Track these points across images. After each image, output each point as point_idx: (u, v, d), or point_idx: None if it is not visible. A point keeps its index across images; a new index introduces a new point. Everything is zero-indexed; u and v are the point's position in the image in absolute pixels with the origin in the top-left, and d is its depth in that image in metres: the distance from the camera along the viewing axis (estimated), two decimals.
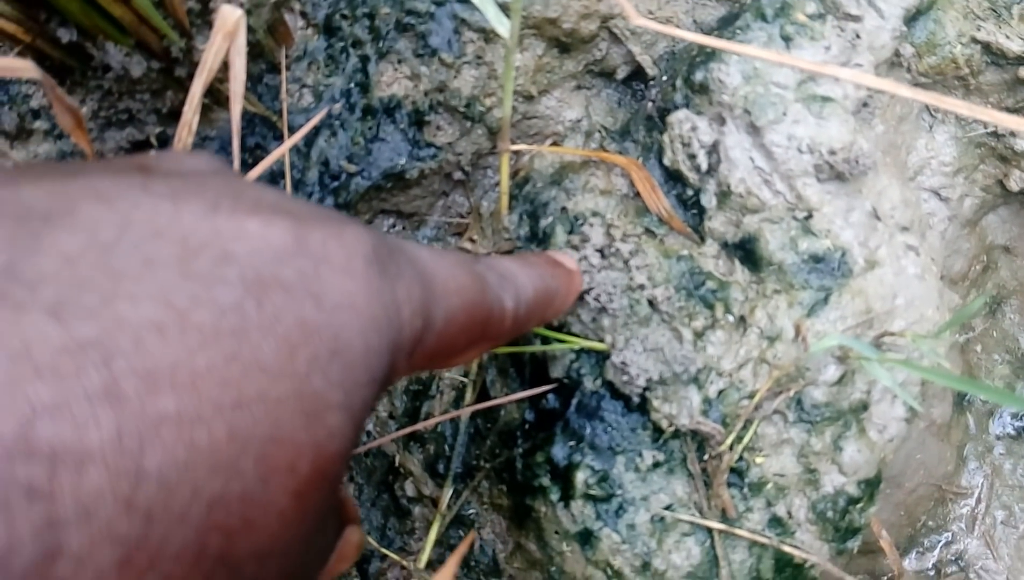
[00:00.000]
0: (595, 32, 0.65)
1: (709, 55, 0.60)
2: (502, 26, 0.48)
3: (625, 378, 0.51)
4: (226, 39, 0.50)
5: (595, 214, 0.58)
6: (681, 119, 0.60)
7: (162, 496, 0.18)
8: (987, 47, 0.62)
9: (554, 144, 0.68)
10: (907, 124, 0.65)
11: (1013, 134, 0.63)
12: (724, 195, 0.58)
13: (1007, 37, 0.61)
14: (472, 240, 0.65)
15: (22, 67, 0.38)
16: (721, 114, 0.59)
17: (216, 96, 0.60)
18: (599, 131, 0.67)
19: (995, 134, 0.65)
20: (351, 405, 0.24)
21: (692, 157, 0.59)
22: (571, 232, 0.58)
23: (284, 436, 0.21)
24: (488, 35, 0.64)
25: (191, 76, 0.57)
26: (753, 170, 0.57)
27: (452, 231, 0.69)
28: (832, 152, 0.55)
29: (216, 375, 0.20)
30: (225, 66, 0.51)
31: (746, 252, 0.57)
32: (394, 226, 0.69)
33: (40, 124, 0.58)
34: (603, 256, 0.54)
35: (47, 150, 0.61)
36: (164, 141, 0.61)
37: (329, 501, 0.24)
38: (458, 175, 0.67)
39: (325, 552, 0.28)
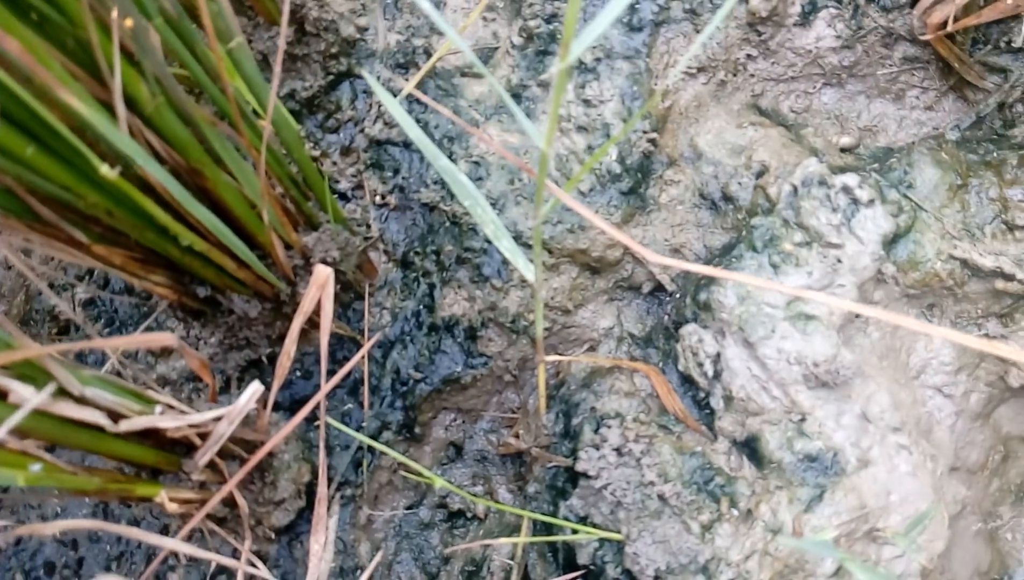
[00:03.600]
0: (620, 257, 0.78)
1: (711, 279, 0.71)
2: (529, 273, 0.61)
3: (637, 567, 0.59)
4: (319, 290, 0.65)
5: (616, 415, 0.68)
6: (690, 332, 0.70)
7: None
8: (964, 262, 0.70)
9: (590, 349, 0.80)
10: (904, 329, 0.72)
11: (1005, 337, 0.70)
12: (729, 399, 0.67)
13: (980, 254, 0.69)
14: (517, 435, 0.76)
15: (164, 339, 0.53)
16: (722, 329, 0.69)
17: (314, 323, 0.76)
18: (628, 337, 0.79)
19: (987, 336, 0.71)
20: None
21: (700, 365, 0.69)
22: (596, 431, 0.68)
23: None
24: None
25: (295, 311, 0.73)
26: (751, 378, 0.66)
27: (505, 424, 0.81)
28: (816, 364, 0.63)
29: None
30: (318, 307, 0.66)
31: (751, 450, 0.65)
32: (455, 420, 0.81)
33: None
34: (619, 454, 0.64)
35: (182, 366, 0.78)
36: (273, 358, 0.76)
37: None
38: (508, 377, 0.79)
39: None
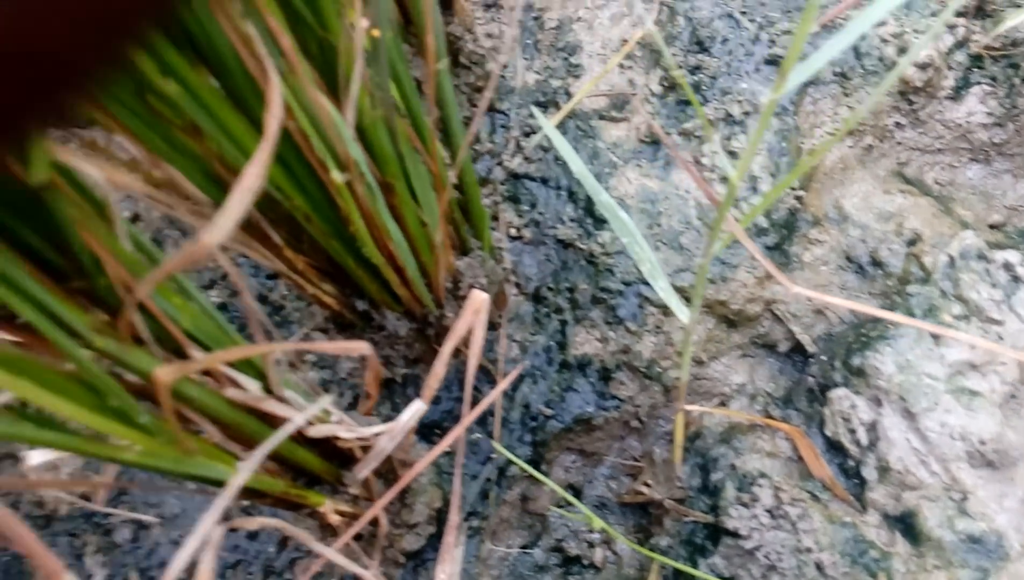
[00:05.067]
0: (759, 313, 0.77)
1: (865, 343, 0.70)
2: (683, 314, 0.60)
3: None
4: (473, 315, 0.65)
5: (763, 475, 0.67)
6: (841, 397, 0.69)
7: None
8: None
9: (721, 403, 0.78)
10: None
11: None
12: (884, 470, 0.65)
13: None
14: (647, 484, 0.74)
15: (360, 347, 0.53)
16: (878, 397, 0.67)
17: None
18: (763, 395, 0.77)
19: None
20: None
21: (852, 432, 0.67)
22: (740, 489, 0.66)
23: None
24: (666, 310, 0.77)
25: (437, 335, 0.72)
26: (910, 451, 0.64)
27: (625, 471, 0.79)
28: (982, 442, 0.61)
29: None
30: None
31: (906, 525, 0.63)
32: (575, 462, 0.80)
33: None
34: (772, 516, 0.62)
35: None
36: (405, 378, 0.75)
37: None
38: (635, 423, 0.77)
39: None
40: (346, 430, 0.52)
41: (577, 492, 0.79)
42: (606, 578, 0.75)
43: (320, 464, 0.54)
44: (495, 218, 0.85)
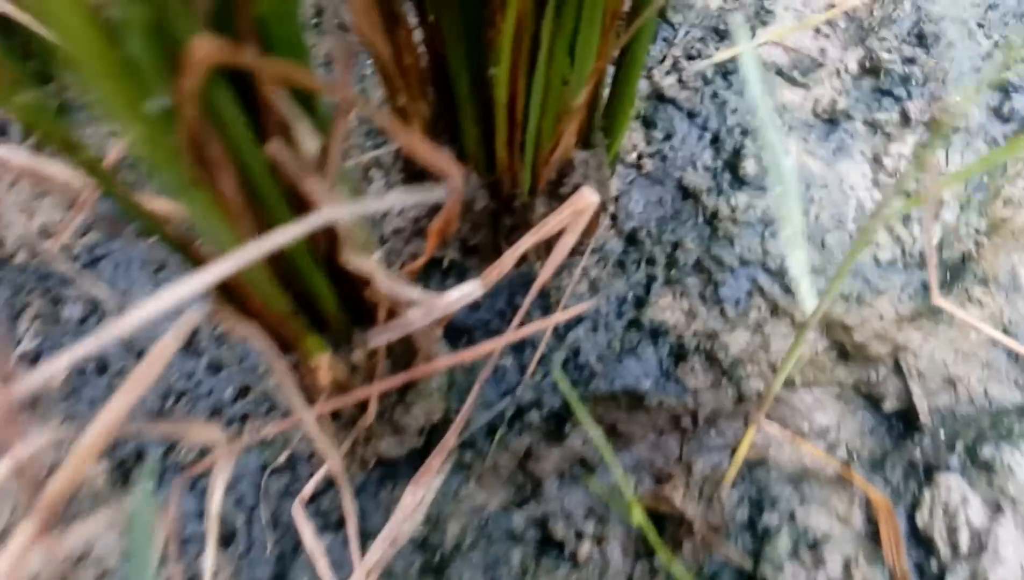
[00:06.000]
0: (881, 356, 0.63)
1: (1004, 435, 0.56)
2: (808, 300, 0.46)
3: None
4: (573, 216, 0.51)
5: (827, 539, 0.53)
6: (952, 486, 0.55)
7: None
8: None
9: (797, 438, 0.64)
10: None
11: None
12: None
13: None
14: (676, 488, 0.60)
15: (450, 167, 0.40)
16: (999, 502, 0.53)
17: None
18: (844, 449, 0.63)
19: None
20: None
21: (953, 531, 0.53)
22: (798, 544, 0.52)
23: None
24: (776, 309, 0.63)
25: (510, 230, 0.59)
26: (1022, 577, 0.50)
27: (653, 471, 0.65)
28: None
29: None
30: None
31: None
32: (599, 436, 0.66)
33: None
34: None
35: None
36: (452, 266, 0.62)
37: None
38: (686, 422, 0.64)
39: None
40: (385, 276, 0.39)
41: (590, 470, 0.66)
42: (583, 577, 0.62)
43: (335, 307, 0.41)
44: None
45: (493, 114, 0.48)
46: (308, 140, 0.31)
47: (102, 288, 0.62)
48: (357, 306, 0.44)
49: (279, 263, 0.37)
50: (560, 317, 0.58)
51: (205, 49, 0.23)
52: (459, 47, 0.44)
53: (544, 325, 0.56)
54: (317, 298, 0.40)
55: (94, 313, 0.64)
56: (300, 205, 0.33)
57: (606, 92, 0.56)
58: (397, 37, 0.43)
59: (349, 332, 0.43)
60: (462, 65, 0.45)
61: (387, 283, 0.39)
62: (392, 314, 0.43)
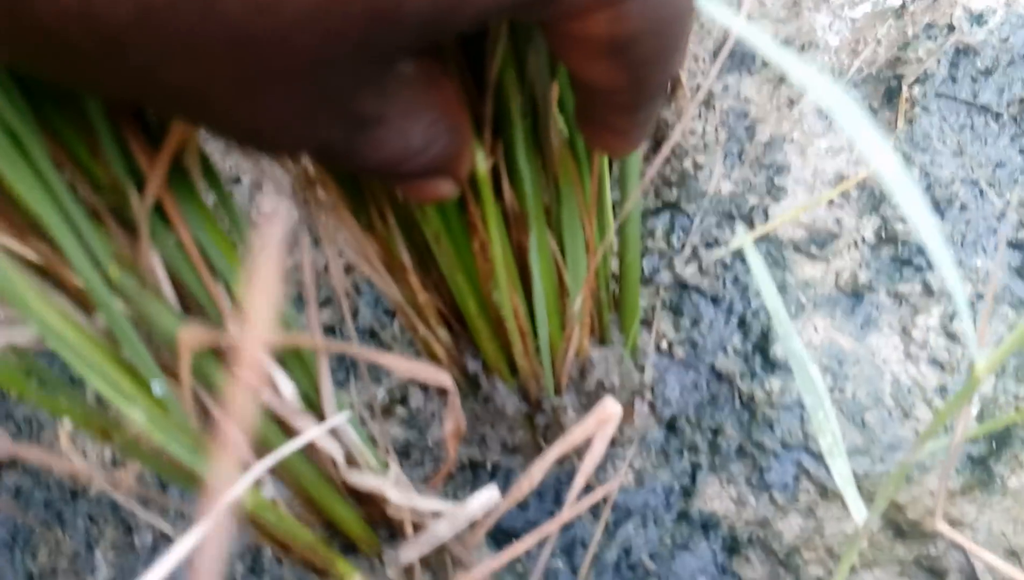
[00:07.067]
0: (937, 530, 0.61)
1: None
2: (859, 514, 0.46)
3: None
4: (598, 425, 0.53)
5: None
6: None
7: None
8: None
9: None
10: None
11: None
12: None
13: None
14: None
15: (442, 379, 0.42)
16: None
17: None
18: None
19: None
20: None
21: None
22: None
23: None
24: (826, 492, 0.63)
25: (546, 428, 0.61)
26: None
27: None
28: None
29: None
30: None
31: None
32: None
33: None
34: None
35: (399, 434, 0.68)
36: (497, 467, 0.65)
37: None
38: None
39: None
40: (396, 491, 0.41)
41: None
42: None
43: (360, 528, 0.44)
44: (646, 323, 0.75)
45: (506, 329, 0.51)
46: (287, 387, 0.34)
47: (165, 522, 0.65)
48: (386, 521, 0.46)
49: (299, 492, 0.40)
50: (606, 514, 0.59)
51: (191, 337, 0.27)
52: (459, 275, 0.48)
53: (578, 511, 0.57)
54: (341, 521, 0.42)
55: (163, 538, 0.67)
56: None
57: (615, 287, 0.59)
58: (407, 280, 0.48)
59: (380, 550, 0.45)
60: (466, 290, 0.48)
61: (401, 498, 0.41)
62: (418, 527, 0.45)
